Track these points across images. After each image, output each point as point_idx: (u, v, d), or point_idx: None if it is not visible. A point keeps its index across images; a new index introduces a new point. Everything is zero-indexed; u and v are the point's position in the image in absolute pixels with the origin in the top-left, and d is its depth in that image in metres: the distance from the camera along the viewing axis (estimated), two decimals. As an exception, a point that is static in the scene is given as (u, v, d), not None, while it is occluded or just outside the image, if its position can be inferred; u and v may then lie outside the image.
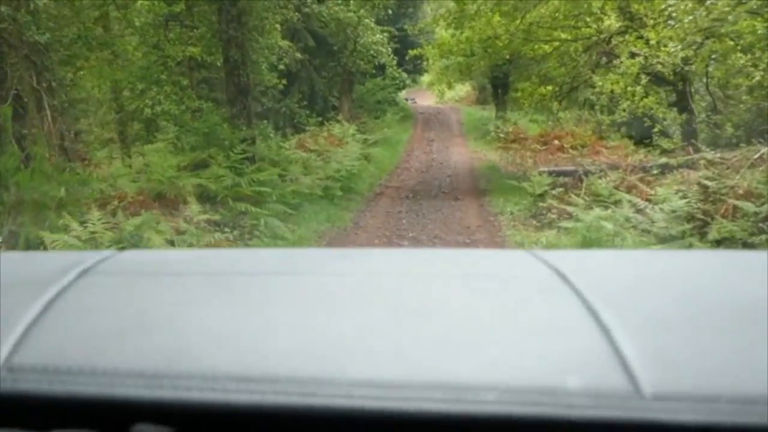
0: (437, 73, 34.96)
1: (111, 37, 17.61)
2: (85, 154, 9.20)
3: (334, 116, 18.41)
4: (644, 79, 10.45)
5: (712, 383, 0.62)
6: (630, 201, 7.74)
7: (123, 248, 4.43)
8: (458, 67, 17.00)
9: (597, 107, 16.59)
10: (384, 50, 15.17)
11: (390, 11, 24.86)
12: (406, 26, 21.52)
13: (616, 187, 9.03)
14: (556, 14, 14.57)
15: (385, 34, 15.76)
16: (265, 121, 12.14)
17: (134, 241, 5.82)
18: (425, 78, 40.62)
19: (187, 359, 0.67)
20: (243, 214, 8.10)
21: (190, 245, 6.73)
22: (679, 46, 9.98)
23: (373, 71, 20.98)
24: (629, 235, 7.33)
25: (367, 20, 13.64)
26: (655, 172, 10.03)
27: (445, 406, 0.61)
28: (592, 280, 0.87)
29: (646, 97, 10.68)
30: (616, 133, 20.30)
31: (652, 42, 10.78)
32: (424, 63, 27.34)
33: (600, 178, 9.49)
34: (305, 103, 19.70)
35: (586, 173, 10.51)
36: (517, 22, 14.68)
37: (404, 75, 17.77)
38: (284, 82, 17.07)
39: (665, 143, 17.13)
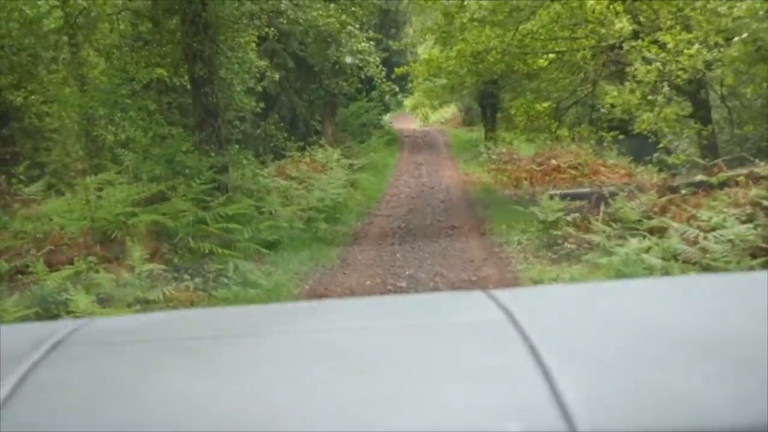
0: (424, 92, 33.85)
1: (76, 60, 16.27)
2: (7, 189, 7.66)
3: (316, 141, 16.95)
4: (665, 87, 9.08)
5: (649, 419, 0.63)
6: (677, 229, 6.27)
7: (40, 315, 3.29)
8: (448, 84, 15.57)
9: (599, 123, 15.34)
10: (371, 60, 13.72)
11: (373, 32, 23.64)
12: (390, 43, 20.20)
13: (647, 211, 7.60)
14: (553, 23, 13.27)
15: (372, 42, 14.29)
16: (237, 146, 10.59)
17: (50, 306, 4.30)
18: (408, 101, 39.54)
19: (155, 426, 0.68)
20: (207, 257, 6.59)
21: (142, 302, 5.21)
22: (704, 50, 8.62)
23: (357, 91, 19.57)
24: (679, 271, 5.88)
25: (350, 27, 12.16)
26: (684, 191, 8.62)
27: None
28: (539, 320, 0.87)
29: (667, 106, 9.27)
30: (610, 151, 19.06)
31: (669, 46, 9.43)
32: (409, 84, 26.07)
33: (629, 200, 8.03)
34: (286, 127, 18.24)
35: (604, 196, 9.09)
36: (511, 33, 13.37)
37: (395, 87, 16.34)
38: (262, 105, 15.61)
39: (673, 159, 15.89)
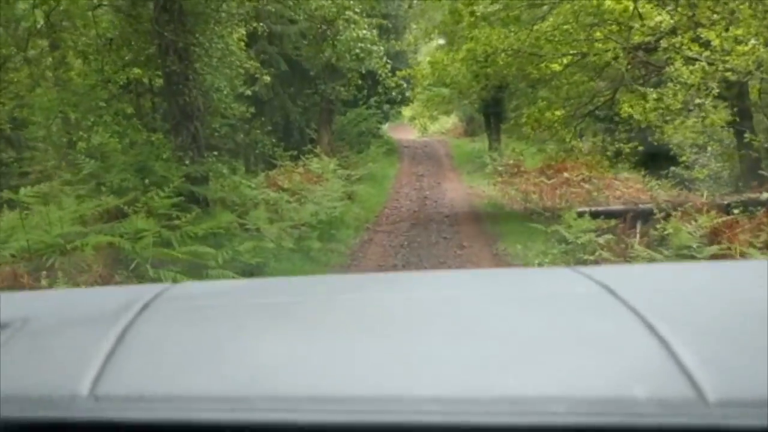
0: (425, 101, 32.58)
1: (53, 62, 14.95)
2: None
3: (311, 149, 15.58)
4: (715, 89, 7.76)
5: None
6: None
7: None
8: (454, 90, 14.25)
9: (617, 133, 14.04)
10: (374, 49, 12.39)
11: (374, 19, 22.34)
12: (393, 42, 18.85)
13: (706, 235, 6.25)
14: (572, 23, 11.95)
15: (375, 30, 12.97)
16: (217, 154, 9.21)
17: None
18: (406, 111, 38.25)
19: (259, 383, 0.69)
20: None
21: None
22: (760, 47, 7.30)
23: (355, 97, 18.24)
24: None
25: (349, 12, 10.78)
26: (736, 211, 7.28)
27: (516, 419, 0.61)
28: (640, 293, 0.85)
29: (714, 112, 7.95)
30: (622, 164, 17.73)
31: (714, 44, 8.12)
32: (410, 91, 24.76)
33: (686, 222, 6.67)
34: (279, 134, 16.88)
35: (642, 214, 7.74)
36: (525, 33, 12.06)
37: (402, 83, 14.98)
38: (252, 110, 14.27)
39: (697, 173, 14.55)
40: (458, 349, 0.72)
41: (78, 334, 0.84)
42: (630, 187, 16.39)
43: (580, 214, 8.09)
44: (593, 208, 8.91)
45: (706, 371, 0.64)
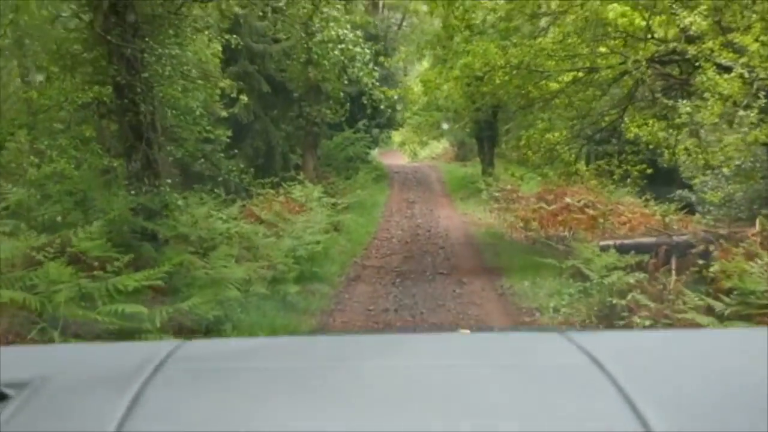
0: (414, 127, 31.38)
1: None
2: None
3: (294, 176, 14.21)
4: (759, 98, 6.50)
5: None
6: None
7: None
8: (445, 110, 12.99)
9: (623, 155, 12.83)
10: (358, 51, 11.12)
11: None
12: (381, 59, 17.55)
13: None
14: (575, 37, 10.75)
15: (359, 32, 11.76)
16: (168, 181, 7.82)
17: None
18: (396, 136, 37.05)
19: None
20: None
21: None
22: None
23: (342, 120, 16.94)
24: None
25: (327, 9, 9.41)
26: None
27: None
28: (628, 367, 0.84)
29: (759, 128, 6.67)
30: (621, 189, 16.48)
31: (751, 49, 6.89)
32: (400, 114, 23.54)
33: (749, 260, 5.30)
34: (260, 160, 15.54)
35: (676, 247, 6.41)
36: (526, 49, 10.83)
37: (393, 95, 13.73)
38: (229, 133, 12.96)
39: (710, 196, 13.30)
40: (438, 421, 0.73)
41: (92, 396, 0.84)
42: (635, 212, 15.14)
43: (604, 248, 6.74)
44: (620, 241, 7.55)
45: None
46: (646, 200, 15.08)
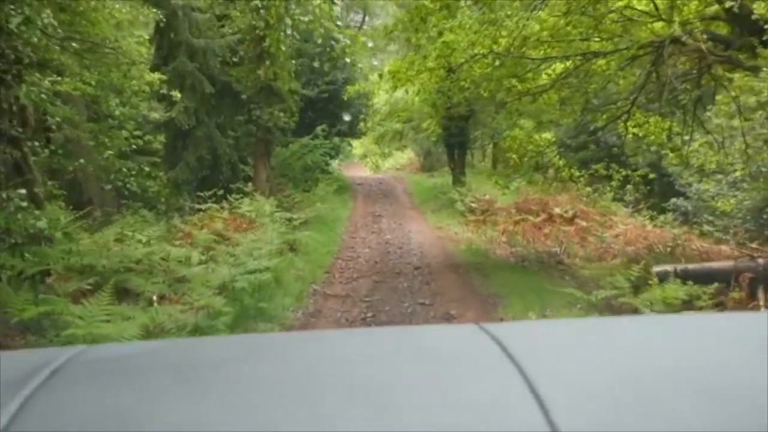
0: (375, 138, 29.35)
1: None
2: None
3: (241, 187, 12.01)
4: None
5: None
6: None
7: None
8: (422, 107, 11.03)
9: (620, 159, 11.06)
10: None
11: (317, 63, 19.12)
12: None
13: None
14: (568, 22, 8.89)
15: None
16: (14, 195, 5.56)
17: None
18: (357, 148, 34.99)
19: None
20: None
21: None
22: None
23: (298, 125, 14.81)
24: None
25: None
26: None
27: None
28: (535, 355, 0.86)
29: None
30: (601, 197, 14.72)
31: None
32: (361, 123, 21.52)
33: None
34: (205, 172, 13.31)
35: (762, 274, 4.48)
36: (511, 30, 8.94)
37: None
38: (162, 138, 10.76)
39: (722, 205, 11.57)
40: (345, 414, 0.71)
41: None
42: (627, 224, 13.37)
43: (663, 276, 4.78)
44: (681, 267, 5.59)
45: None
46: (636, 209, 13.30)
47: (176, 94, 9.60)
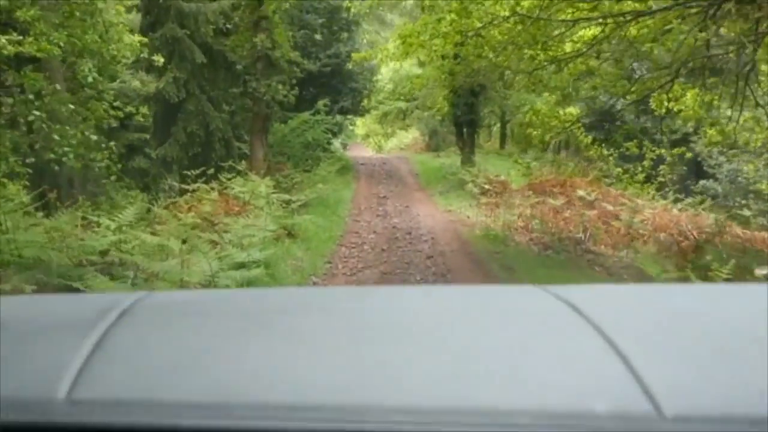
0: (378, 118, 28.04)
1: None
2: None
3: (234, 165, 10.79)
4: None
5: (726, 405, 0.64)
6: None
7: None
8: (436, 72, 9.80)
9: (659, 134, 9.86)
10: None
11: (320, 35, 17.82)
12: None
13: None
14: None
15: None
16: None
17: None
18: (359, 127, 33.66)
19: (238, 391, 0.67)
20: None
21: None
22: None
23: (298, 99, 13.55)
24: None
25: None
26: None
27: (481, 429, 0.62)
28: (605, 312, 0.85)
29: None
30: (620, 180, 13.48)
31: None
32: (365, 101, 20.26)
33: None
34: (197, 149, 12.10)
35: None
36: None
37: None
38: (144, 110, 9.56)
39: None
40: (429, 362, 0.71)
41: (56, 339, 0.79)
42: (654, 208, 12.18)
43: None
44: None
45: (665, 388, 0.64)
46: (657, 192, 12.05)
47: (159, 59, 8.36)
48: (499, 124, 25.47)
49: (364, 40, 21.97)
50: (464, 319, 0.87)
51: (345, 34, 18.81)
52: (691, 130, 12.93)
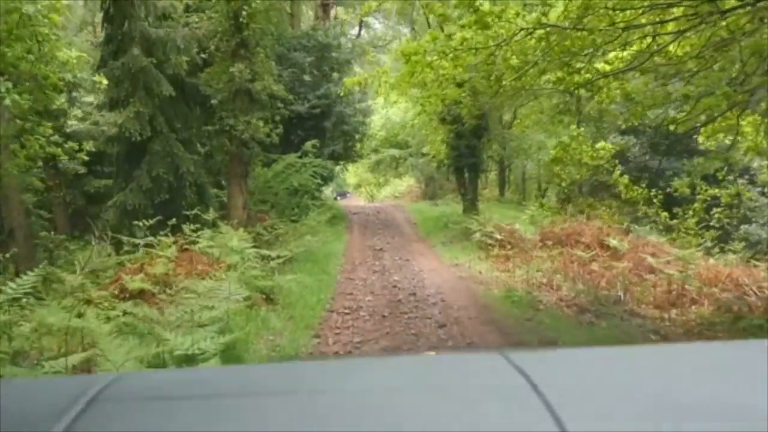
0: (371, 166, 26.32)
1: None
2: None
3: (200, 214, 8.80)
4: None
5: None
6: None
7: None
8: (441, 97, 8.01)
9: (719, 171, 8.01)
10: None
11: (309, 75, 16.15)
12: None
13: None
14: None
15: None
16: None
17: None
18: (351, 175, 31.94)
19: None
20: None
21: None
22: None
23: (282, 140, 11.66)
24: None
25: None
26: None
27: None
28: (562, 389, 0.83)
29: None
30: (641, 226, 11.61)
31: None
32: (358, 144, 18.49)
33: None
34: (164, 196, 10.15)
35: None
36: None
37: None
38: (89, 148, 7.69)
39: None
40: None
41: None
42: (695, 258, 10.23)
43: None
44: None
45: None
46: (712, 241, 10.13)
47: (101, 80, 6.52)
48: (497, 171, 23.77)
49: (358, 69, 20.38)
50: (413, 393, 0.85)
51: (335, 75, 17.15)
52: (720, 166, 11.22)
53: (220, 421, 0.77)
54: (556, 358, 1.19)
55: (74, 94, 13.05)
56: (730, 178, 9.95)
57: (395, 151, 26.05)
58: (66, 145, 7.56)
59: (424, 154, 21.59)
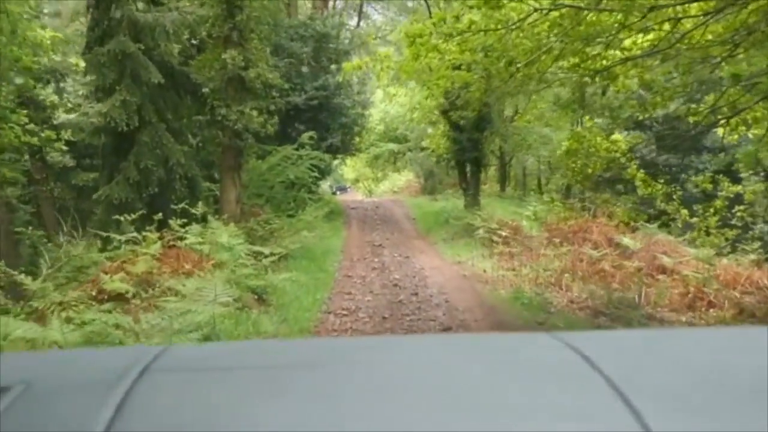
0: (369, 161, 25.72)
1: None
2: None
3: (187, 209, 8.22)
4: None
5: None
6: None
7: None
8: (441, 88, 7.47)
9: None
10: None
11: (306, 67, 15.57)
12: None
13: None
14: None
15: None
16: None
17: None
18: (348, 173, 31.38)
19: None
20: None
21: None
22: None
23: (278, 132, 11.07)
24: None
25: None
26: None
27: None
28: (617, 363, 0.81)
29: None
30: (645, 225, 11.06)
31: None
32: (356, 139, 17.93)
33: None
34: (152, 190, 9.57)
35: None
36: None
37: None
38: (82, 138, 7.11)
39: None
40: (442, 419, 0.69)
41: (78, 400, 0.77)
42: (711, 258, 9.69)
43: None
44: None
45: None
46: (727, 241, 9.58)
47: (77, 63, 5.96)
48: (497, 165, 23.21)
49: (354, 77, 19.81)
50: (473, 370, 0.83)
51: (334, 66, 16.55)
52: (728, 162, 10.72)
53: (272, 392, 0.77)
54: (602, 337, 1.15)
55: (62, 84, 12.47)
56: (751, 174, 9.43)
57: (394, 146, 25.49)
58: (42, 135, 6.97)
59: (423, 149, 21.06)
